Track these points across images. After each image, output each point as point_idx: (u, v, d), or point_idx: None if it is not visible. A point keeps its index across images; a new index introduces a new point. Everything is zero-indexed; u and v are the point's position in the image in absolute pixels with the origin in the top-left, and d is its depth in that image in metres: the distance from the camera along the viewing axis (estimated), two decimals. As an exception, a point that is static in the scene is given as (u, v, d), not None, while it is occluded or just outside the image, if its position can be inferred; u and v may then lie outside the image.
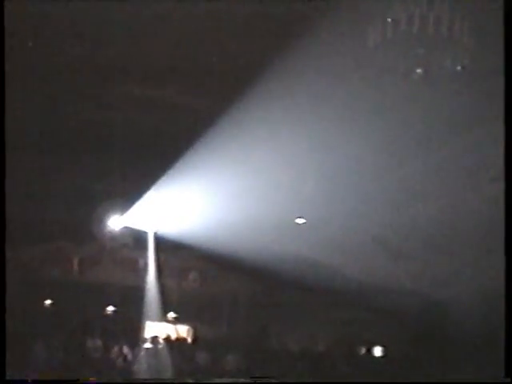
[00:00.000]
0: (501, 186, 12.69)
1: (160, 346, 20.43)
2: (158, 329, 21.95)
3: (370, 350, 23.67)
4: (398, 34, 13.90)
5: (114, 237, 23.24)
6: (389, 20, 13.93)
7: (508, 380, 9.38)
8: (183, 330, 23.04)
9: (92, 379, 14.05)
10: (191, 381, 13.08)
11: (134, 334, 21.23)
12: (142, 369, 19.71)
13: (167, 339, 21.26)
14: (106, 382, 12.27)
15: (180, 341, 22.70)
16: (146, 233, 22.74)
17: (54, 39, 16.69)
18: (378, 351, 23.70)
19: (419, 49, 13.61)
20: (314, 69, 16.24)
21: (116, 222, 22.82)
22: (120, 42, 17.14)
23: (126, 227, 22.84)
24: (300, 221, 22.67)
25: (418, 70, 13.69)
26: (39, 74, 17.56)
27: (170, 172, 20.41)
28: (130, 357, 20.51)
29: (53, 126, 20.29)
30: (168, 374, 19.55)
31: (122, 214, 22.58)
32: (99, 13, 15.93)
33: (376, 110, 15.61)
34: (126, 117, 19.96)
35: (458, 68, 13.68)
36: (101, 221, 22.97)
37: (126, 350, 20.84)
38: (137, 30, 16.76)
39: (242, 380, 14.18)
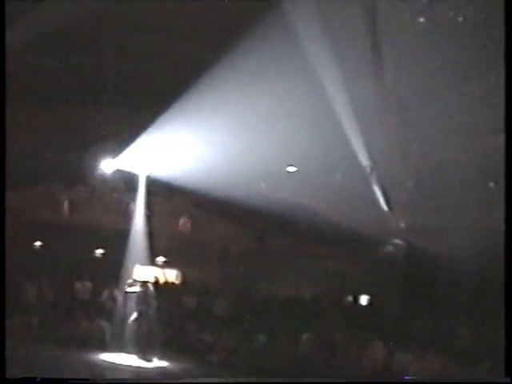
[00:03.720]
0: (501, 139, 12.67)
1: (148, 290, 20.50)
2: (146, 272, 21.90)
3: (356, 299, 23.80)
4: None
5: (105, 180, 23.09)
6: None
7: (508, 380, 9.47)
8: (172, 275, 23.03)
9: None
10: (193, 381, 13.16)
11: (122, 278, 21.19)
12: (129, 313, 19.82)
13: (156, 283, 21.27)
14: (112, 382, 12.32)
15: (168, 285, 22.71)
16: (137, 176, 22.62)
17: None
18: (364, 300, 23.83)
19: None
20: (311, 17, 16.03)
21: (108, 165, 22.68)
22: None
23: (117, 170, 22.70)
24: (291, 169, 22.60)
25: (421, 20, 13.53)
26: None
27: (165, 117, 20.25)
28: (118, 300, 20.60)
29: (43, 68, 20.06)
30: (156, 319, 19.67)
31: (114, 157, 22.43)
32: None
33: (377, 59, 15.44)
34: (121, 61, 19.70)
35: (460, 19, 13.52)
36: (92, 164, 22.82)
37: (115, 292, 20.94)
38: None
39: (242, 380, 14.22)
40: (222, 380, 13.12)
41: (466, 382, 12.85)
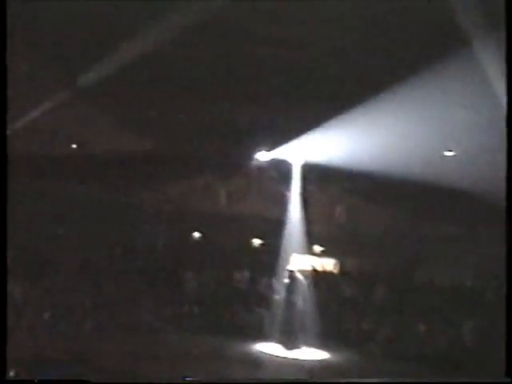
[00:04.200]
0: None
1: (306, 279, 20.57)
2: (303, 261, 21.99)
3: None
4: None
5: (261, 170, 23.30)
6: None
7: (508, 380, 9.03)
8: (329, 264, 23.00)
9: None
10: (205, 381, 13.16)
11: (280, 267, 21.33)
12: (288, 302, 19.93)
13: (313, 272, 21.31)
14: (114, 382, 12.49)
15: (326, 274, 22.70)
16: (293, 165, 22.71)
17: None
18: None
19: None
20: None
21: (263, 155, 22.88)
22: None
23: (273, 160, 22.85)
24: (449, 153, 22.06)
25: None
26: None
27: (321, 103, 20.14)
28: (276, 289, 20.74)
29: (203, 63, 20.34)
30: (314, 308, 19.70)
31: (270, 148, 22.61)
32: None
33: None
34: (287, 54, 19.70)
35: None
36: (248, 154, 23.08)
37: (272, 281, 21.10)
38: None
39: (255, 381, 14.16)
40: (233, 380, 13.01)
41: (467, 382, 12.25)
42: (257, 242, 23.38)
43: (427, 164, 21.45)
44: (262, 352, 18.25)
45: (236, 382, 12.37)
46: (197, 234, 23.46)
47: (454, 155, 22.06)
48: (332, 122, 20.51)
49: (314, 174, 22.63)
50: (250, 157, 23.03)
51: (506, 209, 9.23)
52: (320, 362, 18.09)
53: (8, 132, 10.14)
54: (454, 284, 21.82)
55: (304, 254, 22.23)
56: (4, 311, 9.58)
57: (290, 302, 19.81)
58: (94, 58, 18.77)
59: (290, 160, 22.62)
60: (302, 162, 22.50)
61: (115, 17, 17.48)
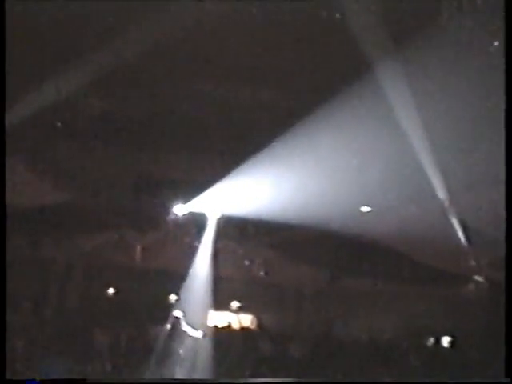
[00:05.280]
0: None
1: (222, 336, 20.26)
2: (220, 318, 21.65)
3: (438, 341, 23.03)
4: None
5: (177, 223, 22.95)
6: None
7: (508, 380, 9.05)
8: (246, 320, 22.72)
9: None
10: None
11: (196, 323, 20.92)
12: (202, 358, 19.53)
13: (229, 328, 20.99)
14: (110, 382, 12.11)
15: (243, 330, 22.40)
16: (209, 220, 22.42)
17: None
18: (446, 342, 23.04)
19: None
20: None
21: (179, 209, 22.56)
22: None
23: (189, 213, 22.55)
24: (365, 209, 22.14)
25: (496, 43, 13.03)
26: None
27: (236, 158, 20.05)
28: (192, 345, 20.32)
29: (116, 115, 20.16)
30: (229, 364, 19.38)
31: (186, 202, 22.32)
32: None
33: (451, 86, 14.94)
34: (195, 110, 19.61)
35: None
36: (164, 208, 22.75)
37: (188, 338, 20.67)
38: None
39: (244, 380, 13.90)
40: (226, 380, 12.68)
41: (467, 382, 12.26)
42: (172, 297, 22.88)
43: (345, 218, 21.48)
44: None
45: (236, 382, 11.93)
46: (111, 290, 22.87)
47: (371, 210, 22.14)
48: (249, 175, 20.44)
49: (231, 228, 22.42)
50: (165, 210, 22.68)
51: (506, 211, 9.13)
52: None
53: None
54: (372, 338, 21.80)
55: (220, 309, 21.90)
56: (3, 311, 9.45)
57: (203, 360, 19.40)
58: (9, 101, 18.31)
59: (206, 213, 22.36)
60: (218, 216, 22.25)
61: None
